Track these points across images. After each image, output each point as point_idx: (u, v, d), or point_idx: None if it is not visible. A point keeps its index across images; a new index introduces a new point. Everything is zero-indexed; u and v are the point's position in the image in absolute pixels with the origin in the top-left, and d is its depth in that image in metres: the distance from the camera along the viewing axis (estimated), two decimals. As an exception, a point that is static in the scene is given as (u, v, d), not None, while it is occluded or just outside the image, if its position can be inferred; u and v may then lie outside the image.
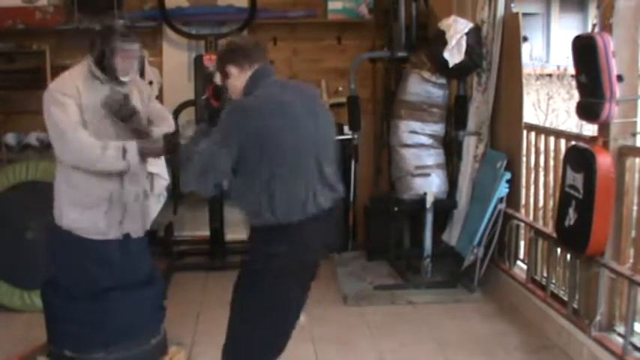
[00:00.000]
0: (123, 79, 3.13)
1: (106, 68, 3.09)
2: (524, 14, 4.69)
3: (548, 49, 13.50)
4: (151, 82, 5.41)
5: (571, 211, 3.50)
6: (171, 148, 3.20)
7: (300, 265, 2.59)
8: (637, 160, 3.38)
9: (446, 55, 4.47)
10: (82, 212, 3.14)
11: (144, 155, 3.12)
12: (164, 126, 3.30)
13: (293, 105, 2.54)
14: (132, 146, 3.06)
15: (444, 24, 4.57)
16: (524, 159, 4.42)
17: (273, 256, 2.53)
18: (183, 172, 2.57)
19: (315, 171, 2.56)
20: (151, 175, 3.36)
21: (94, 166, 3.05)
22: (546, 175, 4.20)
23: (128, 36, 3.10)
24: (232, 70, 2.61)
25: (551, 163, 4.14)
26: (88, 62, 3.14)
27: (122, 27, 3.14)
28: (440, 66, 4.59)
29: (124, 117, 3.09)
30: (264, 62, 2.65)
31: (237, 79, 2.62)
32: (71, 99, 3.04)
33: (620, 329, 3.40)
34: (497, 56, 4.57)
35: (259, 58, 2.63)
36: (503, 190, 4.40)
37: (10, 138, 5.37)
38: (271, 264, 2.53)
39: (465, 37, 4.45)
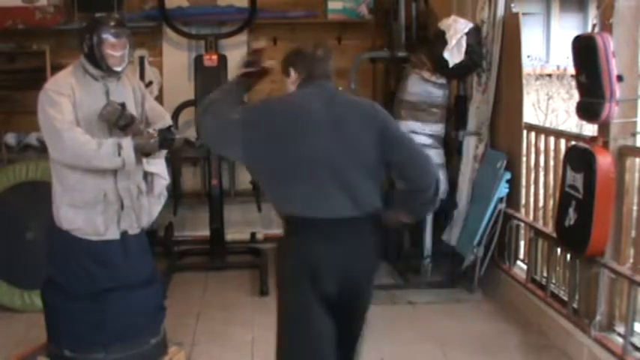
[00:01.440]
0: (116, 69, 3.12)
1: (97, 62, 3.09)
2: (524, 14, 4.69)
3: (548, 49, 13.49)
4: (150, 82, 5.42)
5: (571, 211, 3.50)
6: (165, 144, 3.20)
7: (306, 269, 2.46)
8: (637, 160, 3.38)
9: (446, 55, 4.47)
10: (78, 212, 3.14)
11: (139, 151, 3.12)
12: (161, 124, 3.31)
13: (311, 111, 2.55)
14: (127, 142, 3.05)
15: (444, 24, 4.56)
16: (524, 159, 4.42)
17: (282, 255, 2.58)
18: (203, 120, 2.61)
19: (327, 176, 2.47)
20: (151, 175, 3.35)
21: (90, 164, 3.03)
22: (546, 175, 4.20)
23: (114, 26, 3.10)
24: (292, 72, 2.69)
25: (551, 163, 4.14)
26: (80, 60, 3.15)
27: (108, 18, 3.14)
28: (440, 66, 4.59)
29: (122, 127, 3.10)
30: (320, 75, 2.68)
31: (293, 83, 2.70)
32: (66, 97, 3.04)
33: (620, 329, 3.40)
34: (497, 56, 4.57)
35: (321, 74, 2.68)
36: (503, 190, 4.40)
37: (10, 138, 5.38)
38: (281, 264, 2.56)
39: (465, 37, 4.45)
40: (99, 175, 3.11)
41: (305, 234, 2.47)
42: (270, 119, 2.55)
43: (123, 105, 3.12)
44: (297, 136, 2.50)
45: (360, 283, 2.60)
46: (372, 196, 2.54)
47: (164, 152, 3.39)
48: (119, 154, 3.03)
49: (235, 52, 5.59)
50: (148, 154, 3.23)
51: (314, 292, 2.46)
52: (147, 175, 3.33)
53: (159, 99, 5.45)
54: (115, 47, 3.09)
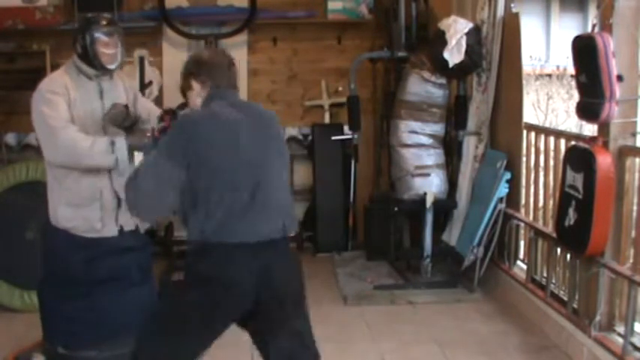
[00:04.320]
0: (109, 67, 3.16)
1: (91, 61, 3.12)
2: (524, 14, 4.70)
3: (548, 49, 13.49)
4: (150, 82, 5.42)
5: (571, 211, 3.50)
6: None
7: (224, 293, 2.42)
8: (637, 160, 3.38)
9: (446, 55, 4.47)
10: (76, 211, 3.15)
11: (133, 150, 3.14)
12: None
13: (238, 124, 2.47)
14: (121, 140, 3.08)
15: (444, 24, 4.57)
16: (524, 159, 4.42)
17: (198, 274, 2.45)
18: (132, 192, 2.47)
19: (254, 196, 2.43)
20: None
21: (83, 163, 3.04)
22: (546, 175, 4.20)
23: (106, 25, 3.14)
24: (194, 84, 2.60)
25: (551, 163, 4.14)
26: (73, 60, 3.18)
27: (99, 17, 3.18)
28: (440, 66, 4.59)
29: (126, 127, 3.12)
30: (227, 85, 2.58)
31: (199, 94, 2.60)
32: (61, 96, 3.07)
33: (620, 329, 3.40)
34: (497, 56, 4.57)
35: (222, 79, 2.57)
36: (503, 190, 4.41)
37: (10, 138, 5.39)
38: (196, 282, 2.45)
39: (464, 37, 4.45)
40: (94, 174, 3.12)
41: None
42: (197, 142, 2.41)
43: (127, 106, 3.15)
44: (225, 147, 2.42)
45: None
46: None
47: None
48: (112, 152, 3.04)
49: (235, 52, 5.59)
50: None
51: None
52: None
53: (159, 99, 5.45)
54: (107, 45, 3.13)
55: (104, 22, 3.14)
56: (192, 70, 2.61)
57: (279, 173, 2.56)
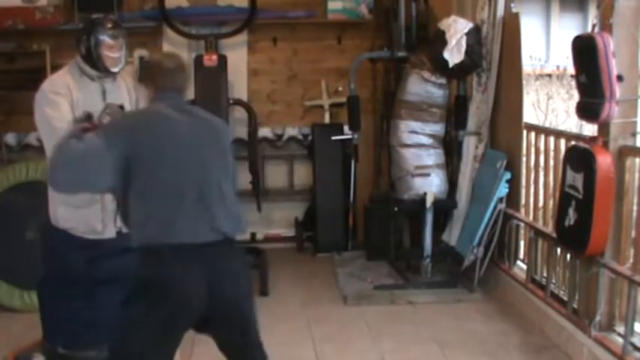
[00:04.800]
0: (113, 70, 3.17)
1: (94, 63, 3.12)
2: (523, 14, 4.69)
3: (548, 49, 13.49)
4: (151, 82, 5.41)
5: (571, 211, 3.50)
6: None
7: (170, 295, 2.41)
8: (637, 160, 3.38)
9: (446, 55, 4.47)
10: (75, 212, 3.15)
11: None
12: None
13: (178, 124, 2.48)
14: None
15: (444, 24, 4.57)
16: (524, 159, 4.42)
17: (145, 278, 2.45)
18: (56, 161, 2.44)
19: (193, 197, 2.44)
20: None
21: None
22: (546, 175, 4.20)
23: (111, 27, 3.14)
24: (145, 89, 2.64)
25: (551, 163, 4.14)
26: (76, 60, 3.18)
27: (105, 19, 3.17)
28: (440, 66, 4.59)
29: None
30: (172, 89, 2.56)
31: (146, 97, 2.64)
32: (63, 97, 3.07)
33: (620, 329, 3.40)
34: (497, 56, 4.57)
35: (171, 86, 2.56)
36: (503, 190, 4.41)
37: (10, 138, 5.40)
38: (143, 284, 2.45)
39: (464, 37, 4.45)
40: None
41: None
42: (132, 137, 2.42)
43: (122, 107, 3.14)
44: (158, 154, 2.42)
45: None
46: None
47: None
48: None
49: (235, 52, 5.60)
50: None
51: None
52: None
53: (159, 99, 5.45)
54: (112, 49, 3.13)
55: (109, 25, 3.14)
56: (142, 75, 2.66)
57: (219, 177, 2.54)
